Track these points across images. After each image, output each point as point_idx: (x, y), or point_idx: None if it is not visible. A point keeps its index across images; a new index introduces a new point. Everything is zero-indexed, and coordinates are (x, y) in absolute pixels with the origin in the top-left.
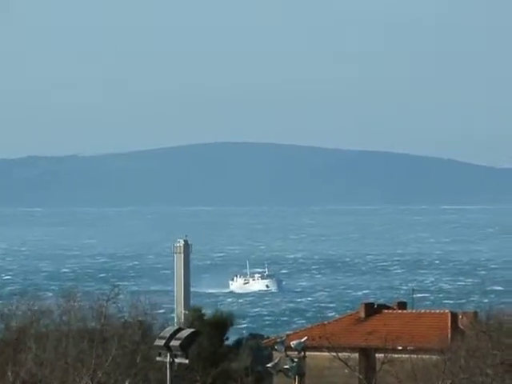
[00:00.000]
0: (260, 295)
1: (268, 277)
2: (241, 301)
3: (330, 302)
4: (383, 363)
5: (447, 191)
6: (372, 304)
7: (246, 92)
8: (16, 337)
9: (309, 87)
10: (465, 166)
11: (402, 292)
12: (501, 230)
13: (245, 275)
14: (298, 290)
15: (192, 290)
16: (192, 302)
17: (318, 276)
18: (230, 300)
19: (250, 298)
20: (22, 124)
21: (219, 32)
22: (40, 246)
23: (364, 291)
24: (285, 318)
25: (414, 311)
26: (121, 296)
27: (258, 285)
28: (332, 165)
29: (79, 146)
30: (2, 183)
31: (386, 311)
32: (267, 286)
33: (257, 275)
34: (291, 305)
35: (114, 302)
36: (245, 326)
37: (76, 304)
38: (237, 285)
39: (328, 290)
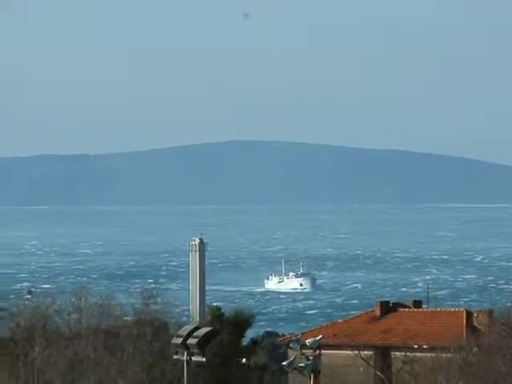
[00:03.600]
0: (293, 294)
1: (302, 275)
2: (274, 298)
3: (360, 300)
4: (404, 362)
5: (449, 189)
6: (387, 302)
7: (248, 92)
8: (25, 335)
9: (314, 87)
10: (462, 162)
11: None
12: None
13: (280, 274)
14: (332, 288)
15: (226, 288)
16: (216, 300)
17: (352, 274)
18: (258, 297)
19: (284, 296)
20: (31, 123)
21: (220, 32)
22: (50, 244)
23: (397, 289)
24: (314, 316)
25: (429, 309)
26: (137, 294)
27: (292, 283)
28: (337, 162)
29: (91, 144)
30: (11, 181)
31: (401, 309)
32: (301, 285)
33: (291, 274)
34: (324, 302)
35: (131, 300)
36: (263, 323)
37: (87, 302)
38: (272, 283)
39: (360, 287)
